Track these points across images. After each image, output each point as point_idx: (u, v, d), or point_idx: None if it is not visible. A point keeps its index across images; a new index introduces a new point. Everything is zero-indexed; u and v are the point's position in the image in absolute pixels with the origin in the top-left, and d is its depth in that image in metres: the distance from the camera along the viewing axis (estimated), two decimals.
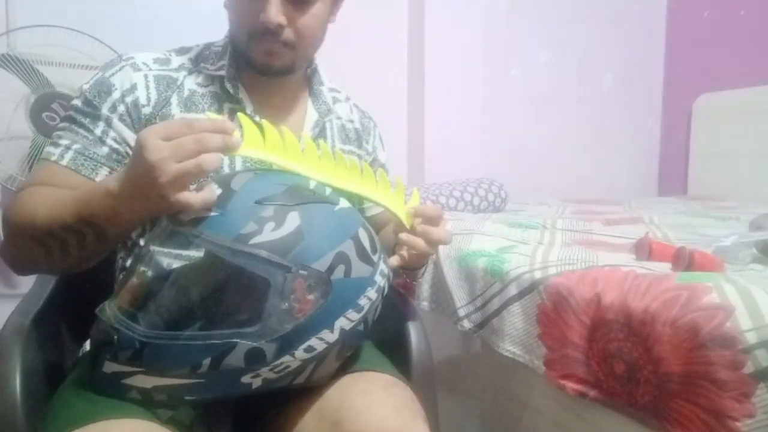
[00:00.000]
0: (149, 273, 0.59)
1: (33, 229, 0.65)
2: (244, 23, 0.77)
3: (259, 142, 0.63)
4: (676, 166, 2.65)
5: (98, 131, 0.74)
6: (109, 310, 0.59)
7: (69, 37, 1.48)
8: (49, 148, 0.74)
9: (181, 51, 0.84)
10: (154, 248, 0.59)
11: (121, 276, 0.78)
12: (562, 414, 0.96)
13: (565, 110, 2.48)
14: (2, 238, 0.71)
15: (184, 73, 0.80)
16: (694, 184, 2.53)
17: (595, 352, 0.83)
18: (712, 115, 2.45)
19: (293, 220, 0.58)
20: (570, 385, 0.87)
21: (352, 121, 0.96)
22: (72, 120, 0.75)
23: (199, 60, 0.82)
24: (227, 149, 0.58)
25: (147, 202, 0.58)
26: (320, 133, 0.88)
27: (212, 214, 0.57)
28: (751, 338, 0.65)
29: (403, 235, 0.75)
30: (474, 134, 2.28)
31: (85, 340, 0.78)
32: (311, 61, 0.90)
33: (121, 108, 0.75)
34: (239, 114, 0.65)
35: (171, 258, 0.57)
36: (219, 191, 0.60)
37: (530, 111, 2.40)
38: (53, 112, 1.46)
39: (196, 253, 0.56)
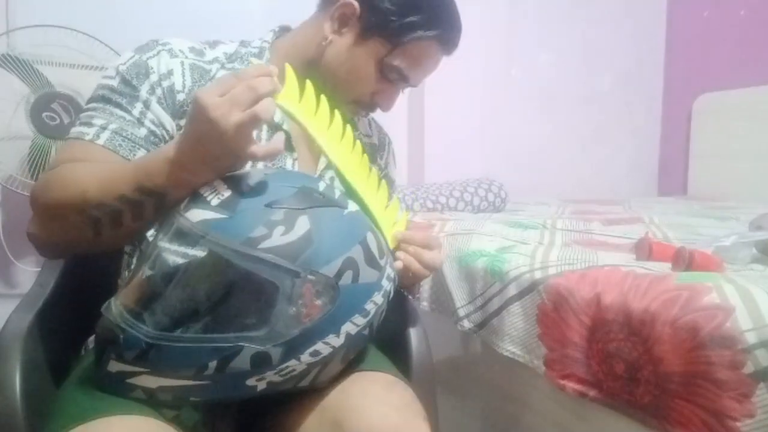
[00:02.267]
0: (156, 270, 0.58)
1: (83, 202, 0.63)
2: (357, 93, 0.82)
3: (295, 98, 0.64)
4: (676, 166, 2.65)
5: (136, 112, 0.73)
6: (115, 308, 0.59)
7: (69, 37, 1.48)
8: (81, 128, 0.72)
9: (214, 44, 0.83)
10: (161, 245, 0.58)
11: (127, 272, 0.78)
12: (562, 414, 0.96)
13: (565, 110, 2.48)
14: (31, 219, 0.68)
15: (217, 66, 0.80)
16: (694, 184, 2.52)
17: (595, 352, 0.83)
18: (712, 115, 2.45)
19: (303, 225, 0.58)
20: (570, 385, 0.87)
21: (369, 136, 0.96)
22: (106, 100, 0.73)
23: (233, 58, 0.82)
24: (273, 93, 0.59)
25: (212, 162, 0.59)
26: None
27: (221, 216, 0.57)
28: (751, 338, 0.65)
29: (400, 254, 0.74)
30: (474, 134, 2.28)
31: (87, 337, 0.78)
32: None
33: (159, 91, 0.74)
34: (287, 65, 0.65)
35: (178, 256, 0.57)
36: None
37: (530, 111, 2.40)
38: (53, 112, 1.46)
39: (203, 253, 0.56)
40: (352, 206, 0.65)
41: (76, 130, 0.72)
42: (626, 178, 2.66)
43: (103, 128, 0.71)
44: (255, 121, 0.57)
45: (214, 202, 0.58)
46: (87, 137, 0.70)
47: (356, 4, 0.78)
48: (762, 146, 2.20)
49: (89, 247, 0.70)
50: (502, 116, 2.33)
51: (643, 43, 2.65)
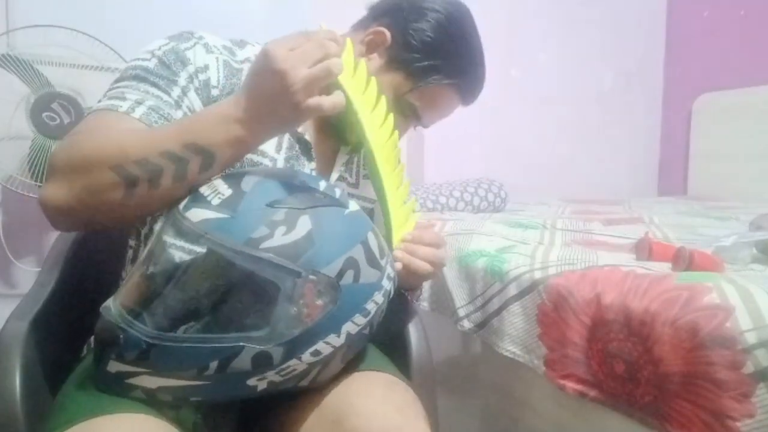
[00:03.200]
0: (157, 270, 0.58)
1: (122, 156, 0.58)
2: None
3: (349, 73, 0.64)
4: (676, 166, 2.65)
5: (174, 95, 0.69)
6: (114, 308, 0.58)
7: (69, 37, 1.48)
8: (112, 101, 0.66)
9: (242, 44, 0.80)
10: (165, 241, 0.58)
11: (131, 266, 0.77)
12: (562, 414, 0.96)
13: (565, 110, 2.48)
14: (46, 183, 0.62)
15: (247, 66, 0.77)
16: (694, 184, 2.53)
17: (595, 352, 0.83)
18: (712, 115, 2.45)
19: (304, 225, 0.58)
20: (570, 385, 0.87)
21: None
22: (140, 79, 0.69)
23: None
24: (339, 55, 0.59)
25: (270, 118, 0.59)
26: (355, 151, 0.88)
27: (222, 216, 0.57)
28: (750, 338, 0.65)
29: (398, 253, 0.75)
30: (474, 134, 2.28)
31: (88, 337, 0.77)
32: None
33: (196, 83, 0.72)
34: (348, 39, 0.65)
35: (179, 254, 0.57)
36: (230, 191, 0.59)
37: (530, 111, 2.40)
38: (53, 112, 1.46)
39: (204, 252, 0.56)
40: (353, 206, 0.65)
41: (104, 103, 0.67)
42: (626, 178, 2.66)
43: (139, 103, 0.66)
44: (325, 77, 0.57)
45: (215, 201, 0.58)
46: (121, 109, 0.65)
47: (389, 35, 0.78)
48: (762, 146, 2.20)
49: (112, 213, 0.62)
50: (502, 116, 2.33)
51: (643, 43, 2.65)
